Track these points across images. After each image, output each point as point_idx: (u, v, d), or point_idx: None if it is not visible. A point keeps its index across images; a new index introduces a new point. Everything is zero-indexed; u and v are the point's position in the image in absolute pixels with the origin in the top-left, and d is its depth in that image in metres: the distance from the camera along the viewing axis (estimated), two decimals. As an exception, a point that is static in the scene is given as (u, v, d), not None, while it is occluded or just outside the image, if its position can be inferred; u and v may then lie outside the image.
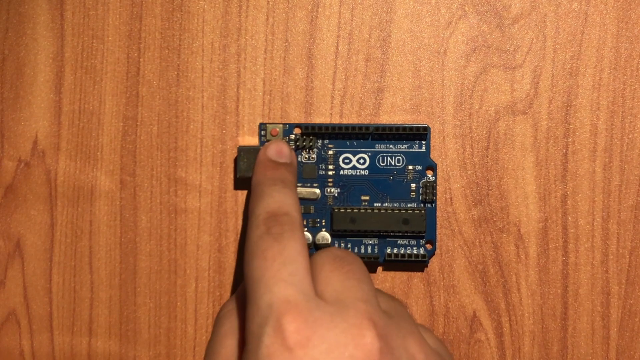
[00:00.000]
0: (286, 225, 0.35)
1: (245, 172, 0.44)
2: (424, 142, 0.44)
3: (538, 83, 0.44)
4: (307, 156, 0.44)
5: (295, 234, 0.35)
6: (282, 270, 0.33)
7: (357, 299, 0.33)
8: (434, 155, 0.44)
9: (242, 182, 0.45)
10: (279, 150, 0.42)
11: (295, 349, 0.31)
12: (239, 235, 0.45)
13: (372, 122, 0.45)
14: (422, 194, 0.44)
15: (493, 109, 0.44)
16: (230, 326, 0.36)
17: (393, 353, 0.32)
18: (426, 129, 0.44)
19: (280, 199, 0.37)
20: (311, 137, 0.44)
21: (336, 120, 0.45)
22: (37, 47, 0.45)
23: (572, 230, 0.44)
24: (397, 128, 0.44)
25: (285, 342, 0.31)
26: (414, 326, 0.35)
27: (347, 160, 0.44)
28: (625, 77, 0.44)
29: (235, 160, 0.45)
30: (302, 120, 0.45)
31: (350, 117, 0.45)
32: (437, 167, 0.44)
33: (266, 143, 0.43)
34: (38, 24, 0.45)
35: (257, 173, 0.40)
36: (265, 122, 0.45)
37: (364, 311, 0.33)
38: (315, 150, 0.44)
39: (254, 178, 0.40)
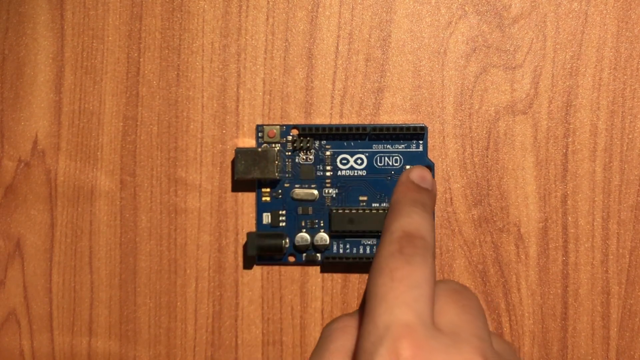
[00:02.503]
0: (419, 249, 0.34)
1: (242, 173, 0.44)
2: (421, 142, 0.44)
3: (538, 83, 0.44)
4: (304, 157, 0.44)
5: (427, 259, 0.34)
6: (407, 294, 0.32)
7: (473, 334, 0.33)
8: (434, 155, 0.44)
9: (240, 184, 0.45)
10: (422, 176, 0.41)
11: None
12: (238, 235, 0.45)
13: (372, 122, 0.45)
14: (420, 193, 0.44)
15: (493, 109, 0.44)
16: (342, 344, 0.35)
17: None
18: (423, 129, 0.44)
19: (418, 221, 0.36)
20: (308, 138, 0.44)
21: (336, 120, 0.45)
22: (37, 47, 0.46)
23: (572, 230, 0.44)
24: (395, 128, 0.44)
25: None
26: None
27: (345, 161, 0.44)
28: (625, 77, 0.44)
29: (233, 162, 0.45)
30: (302, 120, 0.45)
31: (350, 117, 0.45)
32: (437, 167, 0.44)
33: (409, 167, 0.42)
34: (38, 24, 0.46)
35: (398, 192, 0.39)
36: (264, 122, 0.45)
37: (478, 348, 0.32)
38: (312, 151, 0.44)
39: (394, 196, 0.39)
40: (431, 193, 0.40)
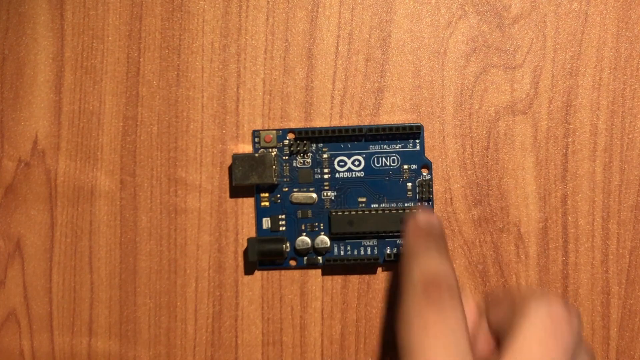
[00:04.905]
0: (445, 292, 0.34)
1: (240, 180, 0.44)
2: (417, 141, 0.44)
3: (538, 83, 0.44)
4: (302, 161, 0.44)
5: (455, 301, 0.34)
6: (446, 349, 0.32)
7: None
8: (434, 155, 0.44)
9: (239, 189, 0.45)
10: (428, 220, 0.40)
11: None
12: (238, 235, 0.45)
13: (371, 122, 0.45)
14: (418, 192, 0.44)
15: (493, 109, 0.44)
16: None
17: None
18: (419, 128, 0.44)
19: (437, 264, 0.36)
20: (305, 142, 0.44)
21: (336, 120, 0.45)
22: (37, 47, 0.46)
23: (572, 230, 0.44)
24: (391, 128, 0.44)
25: None
26: None
27: (342, 163, 0.44)
28: (625, 77, 0.44)
29: (230, 168, 0.45)
30: (301, 120, 0.45)
31: (350, 118, 0.45)
32: (437, 167, 0.44)
33: (414, 212, 0.42)
34: (38, 24, 0.46)
35: (409, 239, 0.39)
36: (264, 122, 0.45)
37: None
38: (310, 154, 0.44)
39: (408, 243, 0.39)
40: (441, 233, 0.40)
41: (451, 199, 0.44)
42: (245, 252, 0.45)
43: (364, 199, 0.44)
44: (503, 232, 0.44)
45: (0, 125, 0.46)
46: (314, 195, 0.44)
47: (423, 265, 0.36)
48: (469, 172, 0.44)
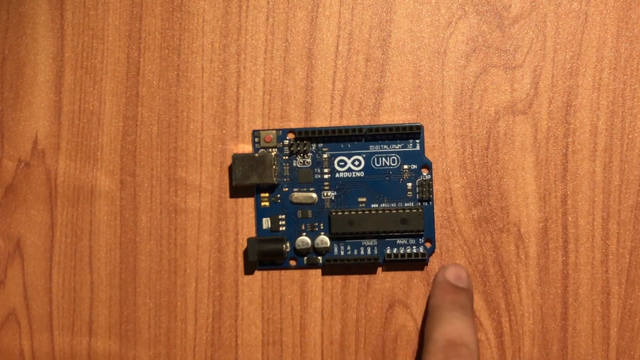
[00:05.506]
0: (465, 357, 0.34)
1: (240, 180, 0.44)
2: (417, 141, 0.44)
3: (538, 83, 0.44)
4: (302, 161, 0.44)
5: None
6: None
7: None
8: (434, 155, 0.44)
9: (239, 189, 0.45)
10: (458, 275, 0.40)
11: None
12: (238, 235, 0.45)
13: (371, 122, 0.45)
14: (418, 192, 0.44)
15: (493, 109, 0.44)
16: None
17: None
18: (419, 128, 0.44)
19: (460, 327, 0.36)
20: (305, 142, 0.44)
21: (336, 120, 0.45)
22: (37, 47, 0.46)
23: (572, 230, 0.44)
24: (391, 128, 0.44)
25: None
26: None
27: (342, 163, 0.44)
28: (625, 77, 0.44)
29: (230, 168, 0.45)
30: (301, 120, 0.45)
31: (350, 118, 0.45)
32: (437, 167, 0.44)
33: (445, 266, 0.41)
34: (38, 24, 0.46)
35: (437, 295, 0.39)
36: (264, 122, 0.45)
37: None
38: (310, 154, 0.44)
39: (433, 300, 0.39)
40: (468, 292, 0.40)
41: (451, 199, 0.44)
42: (245, 252, 0.45)
43: (364, 199, 0.44)
44: (503, 232, 0.44)
45: (0, 125, 0.46)
46: (314, 195, 0.44)
47: (447, 325, 0.36)
48: (469, 172, 0.44)
